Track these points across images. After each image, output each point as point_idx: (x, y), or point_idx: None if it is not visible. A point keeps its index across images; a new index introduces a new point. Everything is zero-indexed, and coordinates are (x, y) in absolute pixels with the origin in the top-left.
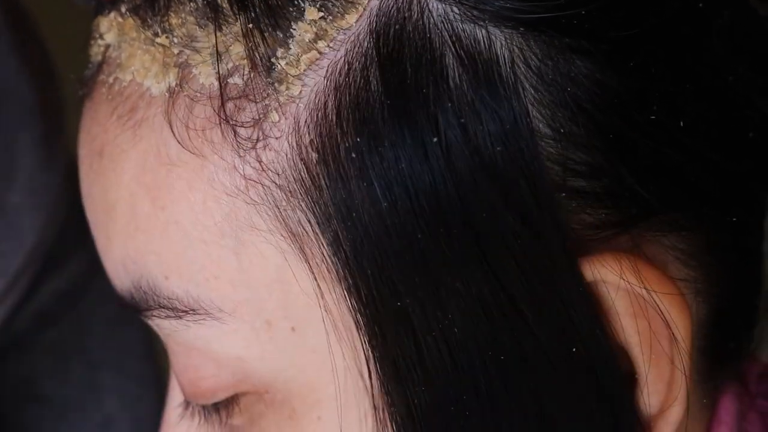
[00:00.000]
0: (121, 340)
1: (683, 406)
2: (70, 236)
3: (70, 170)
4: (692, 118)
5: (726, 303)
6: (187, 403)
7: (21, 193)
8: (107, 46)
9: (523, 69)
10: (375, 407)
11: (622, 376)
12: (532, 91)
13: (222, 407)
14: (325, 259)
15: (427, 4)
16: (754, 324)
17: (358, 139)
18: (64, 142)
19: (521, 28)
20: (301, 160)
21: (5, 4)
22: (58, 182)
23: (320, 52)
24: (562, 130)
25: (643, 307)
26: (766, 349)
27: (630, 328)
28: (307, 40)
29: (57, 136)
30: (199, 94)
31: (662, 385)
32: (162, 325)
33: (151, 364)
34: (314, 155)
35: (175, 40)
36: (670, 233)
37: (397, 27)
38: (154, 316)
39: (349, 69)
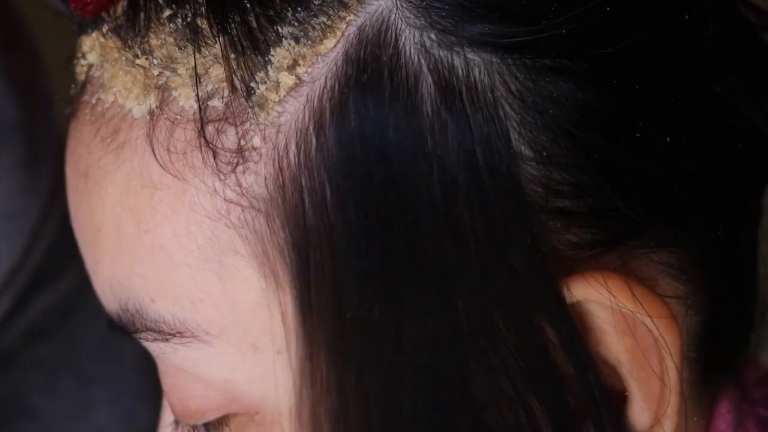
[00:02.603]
0: (115, 355)
1: (675, 420)
2: (63, 253)
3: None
4: (679, 133)
5: (719, 313)
6: (177, 423)
7: None
8: (90, 66)
9: (503, 92)
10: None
11: (612, 394)
12: (514, 114)
13: (212, 428)
14: (304, 284)
15: (404, 31)
16: (749, 331)
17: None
18: (51, 164)
19: (500, 52)
20: (281, 184)
21: None
22: (41, 205)
23: (300, 78)
24: (544, 153)
25: (631, 325)
26: (764, 354)
27: (619, 346)
28: (286, 66)
29: (42, 158)
30: (179, 117)
31: (652, 402)
32: (150, 347)
33: (148, 378)
34: (293, 180)
35: (155, 61)
36: (658, 249)
37: (373, 54)
38: (142, 338)
39: (327, 96)
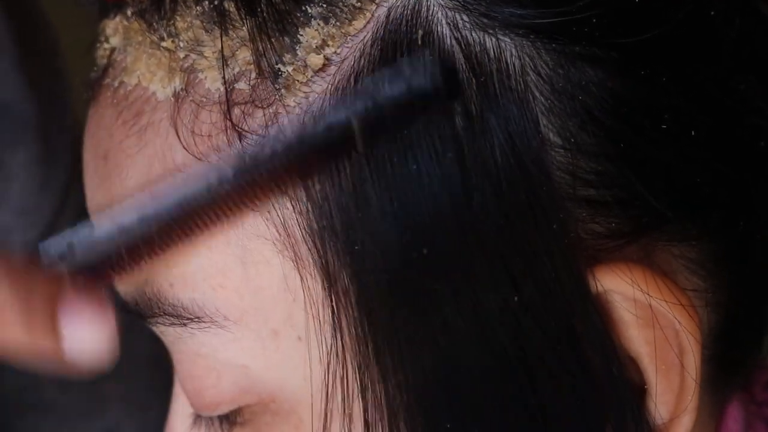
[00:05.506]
0: (127, 350)
1: (693, 416)
2: None
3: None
4: (703, 128)
5: (734, 312)
6: (191, 412)
7: (12, 214)
8: (113, 50)
9: (533, 77)
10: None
11: (632, 387)
12: (543, 100)
13: (228, 417)
14: (331, 267)
15: (436, 12)
16: (763, 332)
17: None
18: (66, 161)
19: (531, 36)
20: None
21: (17, 19)
22: (55, 201)
23: (327, 59)
24: (572, 139)
25: (653, 317)
26: None
27: (640, 338)
28: (314, 46)
29: (57, 155)
30: (205, 99)
31: (672, 396)
32: (166, 332)
33: (161, 373)
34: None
35: (181, 44)
36: (680, 243)
37: (404, 35)
38: (159, 323)
39: (356, 77)
